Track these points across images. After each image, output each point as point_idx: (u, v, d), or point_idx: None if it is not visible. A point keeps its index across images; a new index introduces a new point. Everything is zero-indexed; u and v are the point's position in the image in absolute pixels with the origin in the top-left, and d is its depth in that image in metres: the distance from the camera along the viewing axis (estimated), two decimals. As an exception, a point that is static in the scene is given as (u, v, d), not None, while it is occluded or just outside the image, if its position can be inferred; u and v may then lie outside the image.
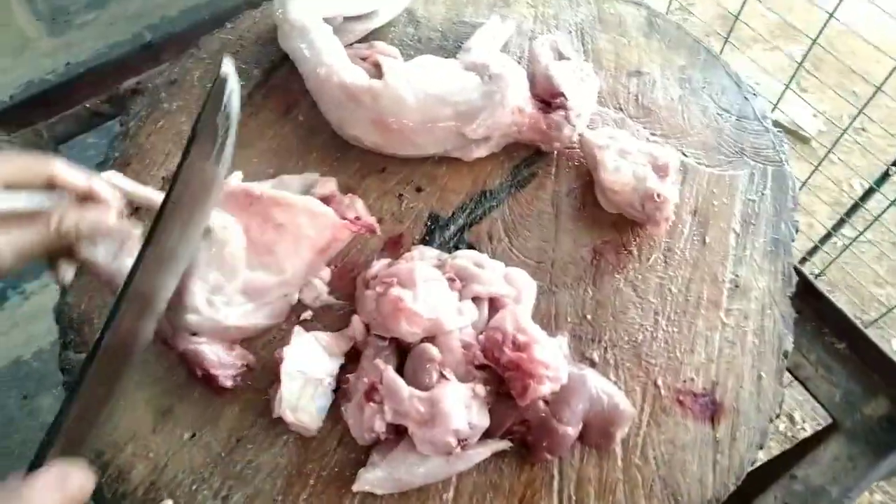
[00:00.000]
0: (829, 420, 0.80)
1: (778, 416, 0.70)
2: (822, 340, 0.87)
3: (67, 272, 0.58)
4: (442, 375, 0.66)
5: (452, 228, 0.78)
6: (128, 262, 0.56)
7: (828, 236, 1.34)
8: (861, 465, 0.76)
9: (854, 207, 1.23)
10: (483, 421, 0.64)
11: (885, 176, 1.16)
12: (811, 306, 0.87)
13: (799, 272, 0.81)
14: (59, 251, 0.56)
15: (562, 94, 0.77)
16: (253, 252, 0.68)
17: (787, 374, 0.77)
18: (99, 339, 0.52)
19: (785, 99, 1.25)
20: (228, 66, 0.55)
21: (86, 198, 0.55)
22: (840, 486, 0.78)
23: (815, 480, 0.78)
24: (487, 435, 0.66)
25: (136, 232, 0.59)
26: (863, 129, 2.21)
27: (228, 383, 0.68)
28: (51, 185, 0.54)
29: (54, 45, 2.61)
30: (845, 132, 1.08)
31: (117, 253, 0.58)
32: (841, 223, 1.28)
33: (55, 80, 1.17)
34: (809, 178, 1.29)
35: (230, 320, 0.68)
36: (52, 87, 1.09)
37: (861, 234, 1.10)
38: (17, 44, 2.61)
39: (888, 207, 1.03)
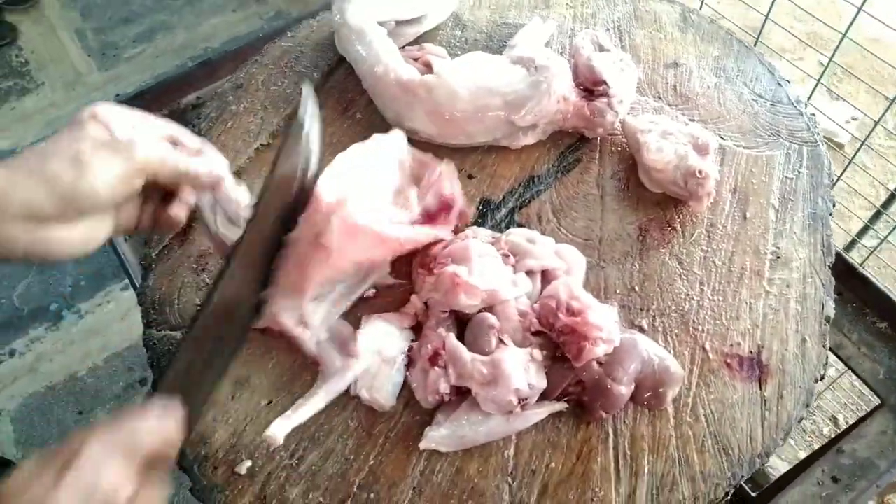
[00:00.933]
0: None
1: (823, 378, 0.73)
2: (864, 321, 0.90)
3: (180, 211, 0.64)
4: (501, 341, 0.70)
5: (503, 211, 0.83)
6: (233, 229, 0.64)
7: (865, 229, 1.36)
8: (907, 439, 0.78)
9: (890, 199, 1.26)
10: (541, 382, 0.69)
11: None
12: (852, 289, 0.90)
13: (840, 256, 0.84)
14: (176, 187, 0.62)
15: (604, 83, 0.82)
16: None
17: (830, 367, 0.79)
18: (208, 299, 0.58)
19: (817, 106, 1.28)
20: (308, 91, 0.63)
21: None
22: (887, 460, 0.80)
23: (862, 454, 0.80)
24: (544, 397, 0.70)
25: (245, 200, 0.65)
26: (895, 135, 2.22)
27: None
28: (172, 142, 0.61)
29: (104, 79, 2.74)
30: (872, 132, 1.11)
31: (226, 219, 0.65)
32: (878, 215, 1.30)
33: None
34: (840, 177, 1.31)
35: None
36: (118, 104, 1.17)
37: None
38: (70, 78, 2.75)
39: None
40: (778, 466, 1.70)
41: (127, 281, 2.16)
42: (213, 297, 0.58)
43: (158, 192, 0.62)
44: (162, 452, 0.52)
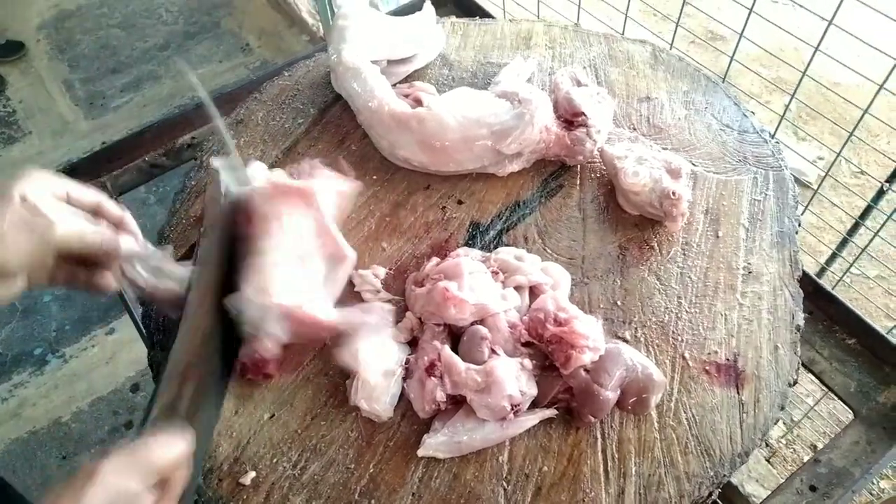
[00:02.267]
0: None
1: (796, 382, 0.77)
2: (834, 337, 0.94)
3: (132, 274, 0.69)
4: (493, 351, 0.74)
5: (492, 233, 0.88)
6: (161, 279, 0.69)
7: (833, 257, 1.43)
8: (879, 448, 0.82)
9: (855, 226, 1.33)
10: (531, 389, 0.73)
11: (881, 193, 1.26)
12: (821, 308, 0.95)
13: (809, 278, 0.89)
14: (97, 260, 0.67)
15: (583, 114, 0.88)
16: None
17: (807, 396, 0.84)
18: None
19: (784, 147, 1.34)
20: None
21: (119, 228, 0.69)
22: (861, 468, 0.84)
23: (838, 463, 0.84)
24: (535, 404, 0.74)
25: (166, 254, 0.71)
26: (861, 173, 2.33)
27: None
28: (95, 213, 0.67)
29: (91, 127, 2.79)
30: (834, 163, 1.18)
31: (153, 271, 0.70)
32: (844, 243, 1.37)
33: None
34: (807, 208, 1.37)
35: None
36: (116, 144, 1.21)
37: (868, 243, 1.18)
38: (57, 127, 2.79)
39: (888, 219, 1.11)
40: (761, 495, 1.73)
41: (111, 325, 2.17)
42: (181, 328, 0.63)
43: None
44: (174, 471, 0.55)
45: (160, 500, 0.54)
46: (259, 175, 0.72)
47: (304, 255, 0.71)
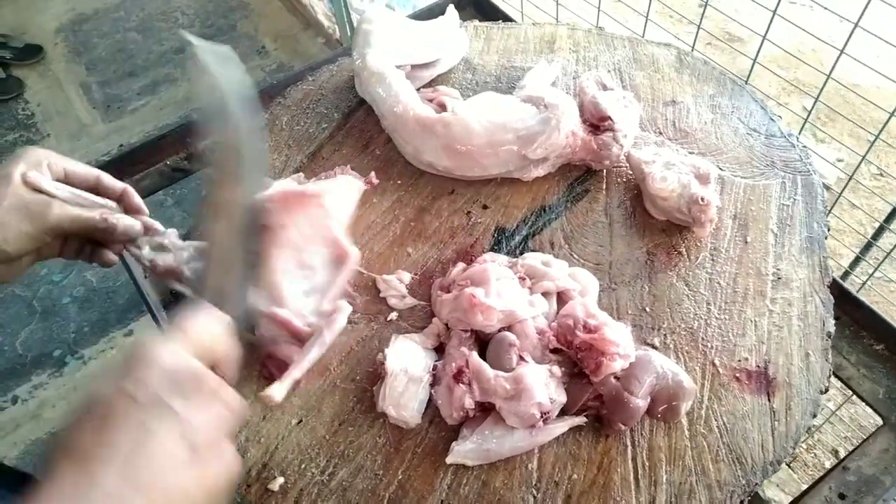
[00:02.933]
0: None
1: (827, 390, 0.76)
2: (862, 343, 0.93)
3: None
4: (521, 358, 0.74)
5: (517, 238, 0.88)
6: (162, 255, 0.74)
7: (857, 261, 1.42)
8: (910, 455, 0.81)
9: (880, 230, 1.31)
10: (561, 397, 0.72)
11: (894, 213, 1.25)
12: (848, 313, 0.94)
13: (835, 282, 0.88)
14: (96, 238, 0.70)
15: (609, 118, 0.88)
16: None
17: (828, 400, 0.83)
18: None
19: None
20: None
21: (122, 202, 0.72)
22: (891, 476, 0.83)
23: (867, 471, 0.83)
24: (564, 412, 0.73)
25: (172, 232, 0.75)
26: (881, 175, 2.31)
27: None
28: (95, 190, 0.70)
29: (108, 130, 2.80)
30: (857, 168, 1.17)
31: (157, 247, 0.74)
32: (869, 247, 1.36)
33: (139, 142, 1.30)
34: (830, 211, 1.36)
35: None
36: (138, 147, 1.21)
37: (894, 248, 1.18)
38: (75, 129, 2.81)
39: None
40: (782, 501, 1.72)
41: (130, 328, 2.18)
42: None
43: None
44: (223, 351, 0.52)
45: (220, 387, 0.49)
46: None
47: (310, 264, 0.79)
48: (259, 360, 0.78)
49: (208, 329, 0.52)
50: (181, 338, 0.49)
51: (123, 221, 0.70)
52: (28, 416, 2.02)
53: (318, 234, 0.81)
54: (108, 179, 0.71)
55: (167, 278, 0.75)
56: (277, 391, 0.72)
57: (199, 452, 0.45)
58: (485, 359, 0.74)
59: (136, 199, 0.74)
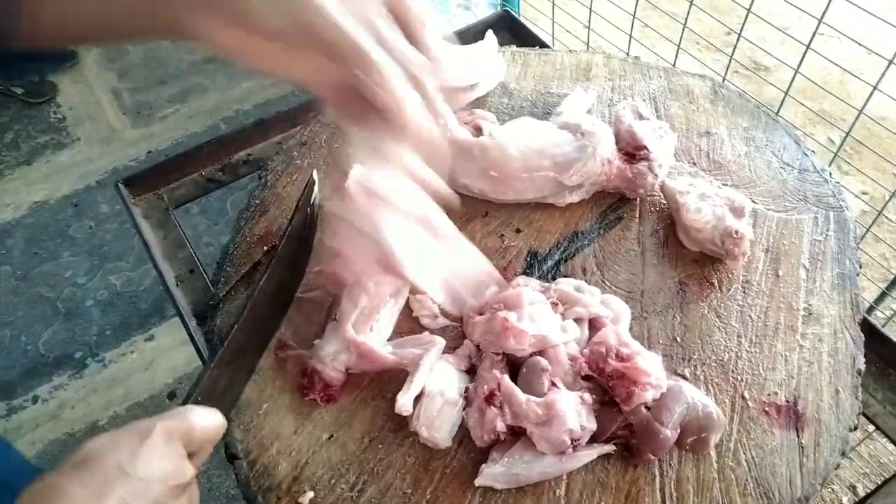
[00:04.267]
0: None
1: (857, 427, 0.77)
2: (889, 380, 0.93)
3: None
4: (553, 384, 0.74)
5: (549, 263, 0.88)
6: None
7: (882, 296, 1.41)
8: (936, 496, 0.81)
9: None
10: (591, 424, 0.73)
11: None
12: (874, 350, 0.94)
13: (865, 319, 0.88)
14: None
15: (645, 148, 0.89)
16: None
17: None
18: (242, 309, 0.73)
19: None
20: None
21: None
22: (917, 516, 0.82)
23: (892, 510, 0.83)
24: (594, 439, 0.74)
25: None
26: (906, 209, 2.30)
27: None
28: None
29: (138, 136, 2.85)
30: (882, 212, 1.18)
31: None
32: (895, 282, 1.36)
33: (173, 152, 1.32)
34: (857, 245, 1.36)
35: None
36: (174, 158, 1.24)
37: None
38: (105, 135, 2.86)
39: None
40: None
41: (151, 332, 2.21)
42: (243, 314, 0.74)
43: None
44: (206, 445, 0.61)
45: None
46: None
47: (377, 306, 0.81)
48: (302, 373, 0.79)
49: (206, 424, 0.61)
50: (180, 426, 0.58)
51: None
52: (48, 416, 2.04)
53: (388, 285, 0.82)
54: None
55: None
56: (406, 400, 0.73)
57: None
58: (516, 382, 0.75)
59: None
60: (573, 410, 0.72)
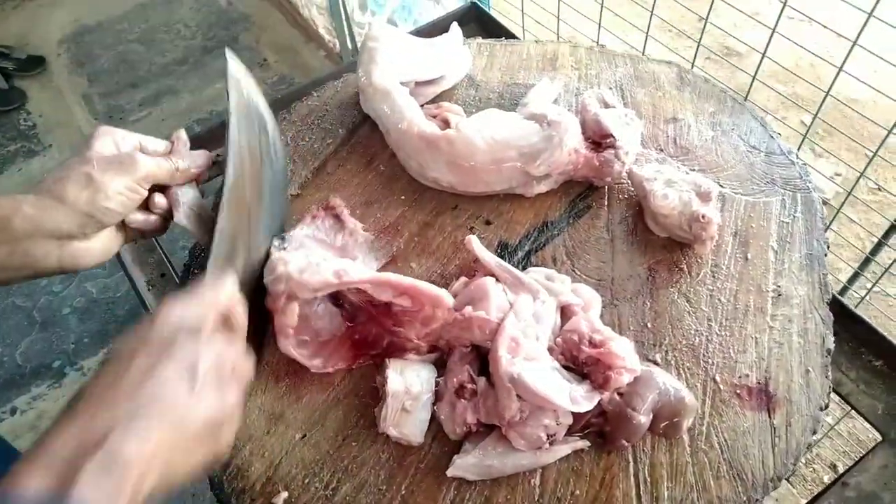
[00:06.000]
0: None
1: (827, 406, 0.77)
2: (861, 359, 0.94)
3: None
4: (524, 374, 0.74)
5: (520, 254, 0.88)
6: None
7: (856, 276, 1.43)
8: (910, 472, 0.82)
9: (878, 246, 1.32)
10: (567, 419, 0.72)
11: (892, 229, 1.26)
12: (847, 329, 0.95)
13: (834, 297, 0.89)
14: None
15: (611, 136, 0.89)
16: None
17: (827, 414, 0.83)
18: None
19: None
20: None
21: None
22: (891, 492, 0.83)
23: (867, 487, 0.83)
24: (568, 429, 0.73)
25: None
26: (878, 189, 2.32)
27: None
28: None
29: (110, 141, 2.80)
30: (856, 184, 1.19)
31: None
32: (867, 262, 1.37)
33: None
34: (829, 226, 1.37)
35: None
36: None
37: (892, 263, 1.19)
38: (76, 141, 2.82)
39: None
40: (781, 516, 1.72)
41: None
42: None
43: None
44: (233, 308, 0.60)
45: (228, 335, 0.58)
46: None
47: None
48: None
49: (218, 289, 0.60)
50: (194, 293, 0.58)
51: (186, 158, 0.76)
52: (27, 427, 2.02)
53: None
54: (149, 140, 0.76)
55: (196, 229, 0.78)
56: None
57: (196, 383, 0.52)
58: (487, 374, 0.75)
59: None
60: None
